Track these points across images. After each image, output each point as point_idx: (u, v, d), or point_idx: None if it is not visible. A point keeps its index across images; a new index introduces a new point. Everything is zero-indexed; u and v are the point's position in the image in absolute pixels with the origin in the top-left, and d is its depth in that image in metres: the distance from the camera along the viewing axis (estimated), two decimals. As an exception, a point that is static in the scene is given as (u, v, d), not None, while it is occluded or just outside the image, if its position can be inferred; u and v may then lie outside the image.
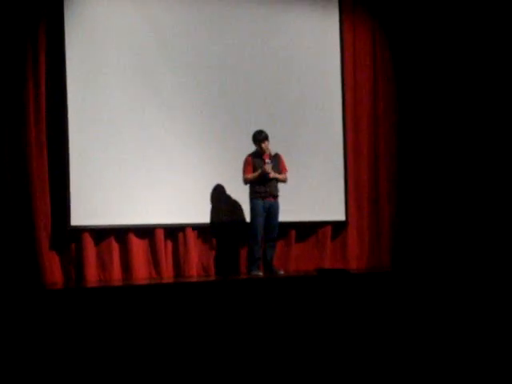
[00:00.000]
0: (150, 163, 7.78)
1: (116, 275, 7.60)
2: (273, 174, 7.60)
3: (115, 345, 5.34)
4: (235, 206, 8.10)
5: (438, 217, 9.03)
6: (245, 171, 7.64)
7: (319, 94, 8.75)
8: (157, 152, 7.82)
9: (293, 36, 8.64)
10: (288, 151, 8.24)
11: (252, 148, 7.76)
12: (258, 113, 8.30)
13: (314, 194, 8.56)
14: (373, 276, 7.58)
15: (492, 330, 5.71)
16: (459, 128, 9.03)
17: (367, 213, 9.03)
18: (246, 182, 7.64)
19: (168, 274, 7.83)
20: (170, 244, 7.93)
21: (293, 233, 8.56)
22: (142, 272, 7.72)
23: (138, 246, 7.75)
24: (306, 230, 8.68)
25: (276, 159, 7.72)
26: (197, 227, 8.01)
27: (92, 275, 7.47)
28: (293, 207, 8.21)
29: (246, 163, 7.66)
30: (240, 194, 7.97)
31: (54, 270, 7.35)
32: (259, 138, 7.63)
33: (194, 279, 7.63)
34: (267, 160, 7.60)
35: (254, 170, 7.62)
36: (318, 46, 8.77)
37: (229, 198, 8.12)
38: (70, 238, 7.48)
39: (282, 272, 7.77)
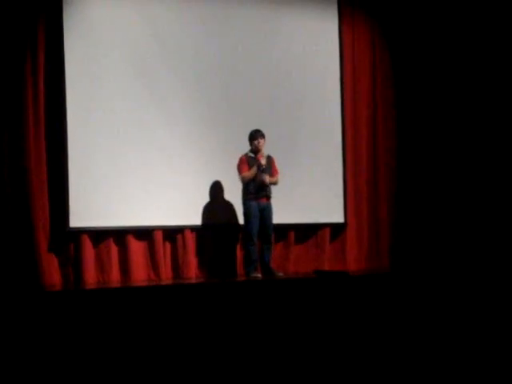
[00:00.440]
0: (150, 165, 7.76)
1: (114, 277, 7.59)
2: (268, 179, 7.56)
3: (114, 347, 5.33)
4: (234, 208, 8.08)
5: (436, 219, 9.02)
6: (241, 170, 7.61)
7: (318, 96, 8.75)
8: (156, 154, 7.81)
9: (292, 37, 8.63)
10: (286, 152, 8.24)
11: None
12: (257, 114, 8.28)
13: (313, 195, 8.55)
14: (372, 278, 7.56)
15: (491, 331, 5.71)
16: (458, 129, 9.03)
17: (366, 215, 9.03)
18: (243, 180, 7.59)
19: (167, 276, 7.81)
20: (168, 246, 7.92)
21: (292, 235, 8.55)
22: (140, 274, 7.71)
23: (136, 247, 7.73)
24: (305, 231, 8.67)
25: (268, 161, 7.69)
26: (195, 229, 8.00)
27: (90, 277, 7.45)
28: (291, 209, 8.20)
29: (241, 162, 7.63)
30: (240, 195, 7.96)
31: (52, 271, 7.33)
32: (255, 135, 7.61)
33: (193, 281, 7.62)
34: (261, 158, 7.57)
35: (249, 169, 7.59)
36: (316, 47, 8.76)
37: (228, 200, 8.10)
38: (68, 239, 7.46)
39: (280, 274, 7.76)
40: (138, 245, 7.75)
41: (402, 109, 9.26)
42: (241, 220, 7.93)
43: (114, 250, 7.65)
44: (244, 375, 5.05)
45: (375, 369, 5.08)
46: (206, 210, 8.00)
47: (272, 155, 7.77)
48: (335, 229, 8.80)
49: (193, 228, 7.97)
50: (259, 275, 7.57)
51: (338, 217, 8.75)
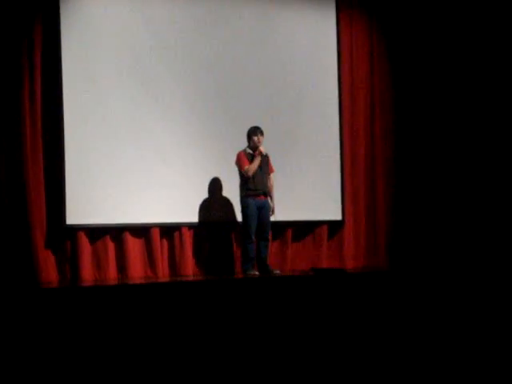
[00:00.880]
0: (146, 162, 7.75)
1: (111, 274, 7.58)
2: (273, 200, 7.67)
3: (110, 344, 5.32)
4: (231, 206, 8.07)
5: (434, 216, 9.02)
6: (243, 164, 7.56)
7: (316, 93, 8.73)
8: (153, 151, 7.80)
9: (289, 34, 8.62)
10: (284, 150, 8.24)
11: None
12: (255, 112, 8.27)
13: (311, 193, 8.54)
14: (369, 275, 7.56)
15: (489, 328, 5.71)
16: (457, 127, 9.03)
17: (364, 212, 9.02)
18: (248, 172, 7.52)
19: (164, 273, 7.80)
20: (165, 243, 7.91)
21: (289, 232, 8.54)
22: (137, 271, 7.70)
23: (133, 245, 7.72)
24: (303, 229, 8.66)
25: (265, 160, 7.67)
26: (192, 226, 7.98)
27: (87, 274, 7.44)
28: (289, 206, 8.19)
29: (241, 157, 7.61)
30: (236, 193, 7.95)
31: (49, 268, 7.32)
32: (254, 132, 7.60)
33: (190, 278, 7.61)
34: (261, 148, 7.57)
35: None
36: (314, 45, 8.75)
37: (225, 197, 8.09)
38: (65, 236, 7.45)
39: (277, 271, 7.75)
40: (134, 242, 7.74)
41: (400, 107, 9.24)
42: (238, 217, 7.92)
43: (111, 247, 7.64)
44: (242, 372, 5.04)
45: (373, 366, 5.07)
46: (203, 208, 7.99)
47: (269, 153, 7.74)
48: (333, 226, 8.79)
49: (190, 225, 7.95)
50: (256, 273, 7.56)
51: (335, 214, 8.74)
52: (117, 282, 7.34)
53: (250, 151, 7.63)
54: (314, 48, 8.76)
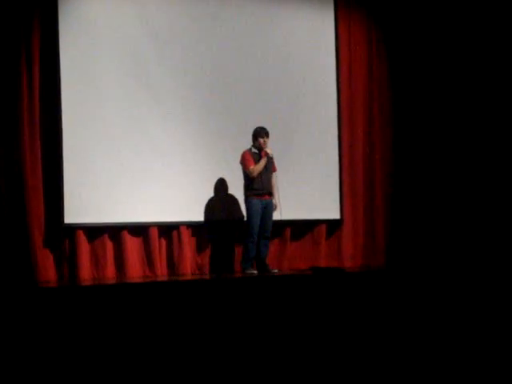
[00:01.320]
0: (144, 161, 7.74)
1: (110, 273, 7.57)
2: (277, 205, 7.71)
3: (109, 343, 5.32)
4: (231, 204, 8.08)
5: (432, 216, 9.03)
6: (248, 164, 7.57)
7: (314, 92, 8.74)
8: (151, 150, 7.79)
9: (288, 33, 8.61)
10: (283, 149, 8.23)
11: (245, 145, 7.73)
12: (253, 111, 8.27)
13: (310, 192, 8.54)
14: (367, 275, 7.57)
15: (487, 327, 5.71)
16: (455, 127, 9.03)
17: (362, 211, 9.02)
18: (253, 172, 7.54)
19: (162, 272, 7.80)
20: (164, 242, 7.90)
21: (288, 231, 8.54)
22: (135, 270, 7.70)
23: (131, 244, 7.72)
24: (301, 228, 8.66)
25: (270, 159, 7.68)
26: (191, 225, 7.98)
27: (86, 273, 7.44)
28: (288, 205, 8.17)
29: (247, 157, 7.62)
30: (236, 191, 7.96)
31: (47, 267, 7.31)
32: (260, 133, 7.61)
33: (188, 277, 7.61)
34: (268, 149, 7.57)
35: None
36: (313, 43, 8.75)
37: (224, 196, 8.10)
38: (63, 235, 7.43)
39: (275, 270, 7.75)
40: (133, 241, 7.73)
41: (398, 107, 9.24)
42: (237, 216, 7.93)
43: (110, 246, 7.63)
44: (240, 372, 5.04)
45: (371, 365, 5.07)
46: (202, 206, 7.98)
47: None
48: (331, 225, 8.80)
49: (188, 224, 7.95)
50: (255, 272, 7.57)
51: (334, 213, 8.74)
52: (115, 280, 7.33)
53: (256, 151, 7.63)
54: (312, 47, 8.75)
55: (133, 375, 5.02)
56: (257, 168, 7.55)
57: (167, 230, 7.90)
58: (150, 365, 5.17)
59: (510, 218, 8.51)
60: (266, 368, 5.06)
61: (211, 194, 8.04)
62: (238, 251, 8.04)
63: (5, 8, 7.19)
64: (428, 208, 9.07)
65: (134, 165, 7.70)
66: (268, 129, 7.79)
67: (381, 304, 6.33)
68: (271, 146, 7.73)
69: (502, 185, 8.64)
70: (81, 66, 7.51)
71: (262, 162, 7.56)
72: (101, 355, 5.18)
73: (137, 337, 5.44)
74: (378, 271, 8.07)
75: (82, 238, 7.47)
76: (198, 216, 7.96)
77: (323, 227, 8.73)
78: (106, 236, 7.61)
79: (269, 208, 7.66)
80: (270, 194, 7.69)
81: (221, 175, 8.05)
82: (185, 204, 7.87)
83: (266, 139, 7.61)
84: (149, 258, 7.77)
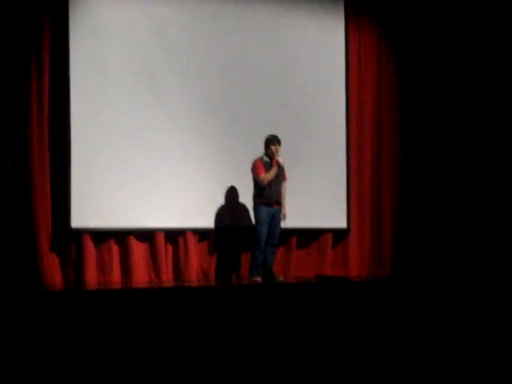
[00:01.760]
0: (152, 166, 7.75)
1: (116, 278, 7.57)
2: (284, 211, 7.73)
3: (113, 348, 5.31)
4: (238, 211, 8.07)
5: (439, 225, 9.00)
6: (259, 172, 7.58)
7: (323, 100, 8.74)
8: (159, 155, 7.80)
9: (298, 40, 8.63)
10: (290, 157, 8.20)
11: (252, 153, 7.73)
12: (261, 117, 8.28)
13: (316, 200, 8.53)
14: (373, 284, 7.55)
15: (493, 338, 5.69)
16: (464, 135, 9.00)
17: (369, 221, 9.01)
18: (264, 181, 7.54)
19: (168, 278, 7.79)
20: (170, 248, 7.90)
21: (294, 239, 8.53)
22: (141, 275, 7.69)
23: (138, 249, 7.72)
24: (307, 236, 8.66)
25: (281, 168, 7.69)
26: (197, 231, 7.98)
27: (91, 277, 7.44)
28: (294, 214, 8.18)
29: (258, 165, 7.62)
30: (244, 199, 7.95)
31: (53, 271, 7.32)
32: (272, 141, 7.61)
33: (194, 284, 7.60)
34: (280, 158, 7.58)
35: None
36: (323, 51, 8.77)
37: (232, 202, 8.08)
38: (70, 239, 7.45)
39: (281, 278, 7.75)
40: (139, 246, 7.73)
41: (406, 115, 9.24)
42: (246, 224, 7.93)
43: (116, 250, 7.64)
44: (245, 378, 5.03)
45: (376, 374, 5.06)
46: (209, 213, 7.98)
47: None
48: (337, 234, 8.79)
49: (194, 230, 7.95)
50: (259, 279, 7.56)
51: (340, 222, 8.73)
52: (121, 285, 7.34)
53: (267, 160, 7.64)
54: (322, 54, 8.77)
55: (138, 380, 5.02)
56: (267, 176, 7.56)
57: (174, 235, 7.90)
58: (155, 370, 5.17)
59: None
60: (272, 375, 5.05)
61: (218, 200, 8.04)
62: (244, 258, 8.04)
63: (16, 9, 7.22)
64: (436, 217, 9.04)
65: (142, 170, 7.70)
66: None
67: (386, 314, 6.31)
68: (282, 155, 7.75)
69: None
70: (91, 70, 7.51)
71: (273, 171, 7.57)
72: (106, 360, 5.18)
73: (142, 342, 5.44)
74: (384, 281, 8.05)
75: (89, 243, 7.48)
76: (205, 222, 7.96)
77: (329, 236, 8.72)
78: (113, 241, 7.62)
79: (276, 217, 7.66)
80: (279, 203, 7.69)
81: (227, 182, 8.04)
82: (191, 210, 7.87)
83: (277, 147, 7.62)
84: (155, 264, 7.77)
